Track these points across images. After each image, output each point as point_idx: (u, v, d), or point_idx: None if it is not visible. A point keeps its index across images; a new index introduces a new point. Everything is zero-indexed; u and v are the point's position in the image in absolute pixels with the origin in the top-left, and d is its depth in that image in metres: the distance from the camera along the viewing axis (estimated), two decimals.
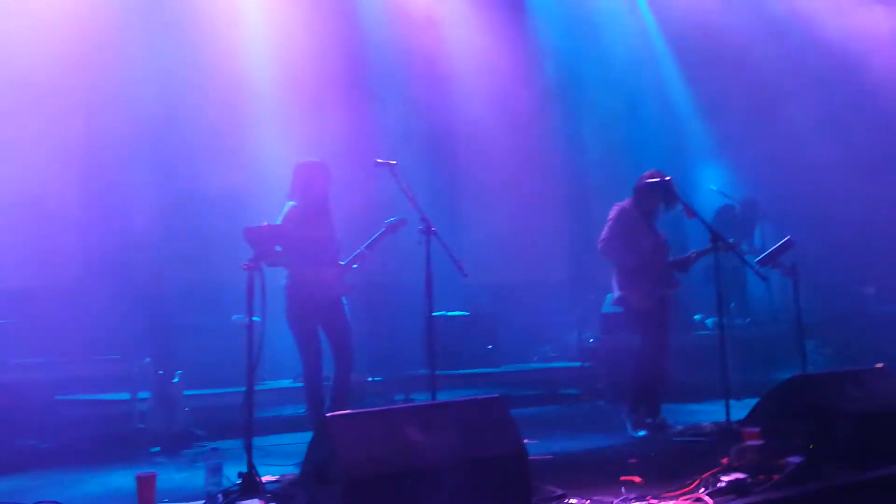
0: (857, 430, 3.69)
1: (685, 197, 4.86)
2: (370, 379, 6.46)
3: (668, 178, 4.88)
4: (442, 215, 7.20)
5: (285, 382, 6.58)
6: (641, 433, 4.88)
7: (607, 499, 3.19)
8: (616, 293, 5.15)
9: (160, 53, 6.72)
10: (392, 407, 2.96)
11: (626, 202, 5.16)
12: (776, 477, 3.36)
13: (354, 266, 4.65)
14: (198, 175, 6.64)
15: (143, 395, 5.17)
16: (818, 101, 8.50)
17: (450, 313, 7.65)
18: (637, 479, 3.60)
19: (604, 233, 5.07)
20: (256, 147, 6.88)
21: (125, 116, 6.59)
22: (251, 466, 3.33)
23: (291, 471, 3.78)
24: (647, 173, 5.13)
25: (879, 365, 4.30)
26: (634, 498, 3.18)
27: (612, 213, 5.12)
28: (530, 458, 3.14)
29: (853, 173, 8.36)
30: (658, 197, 5.04)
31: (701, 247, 5.12)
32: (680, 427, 4.93)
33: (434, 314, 4.15)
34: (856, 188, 8.30)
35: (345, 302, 4.75)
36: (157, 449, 4.92)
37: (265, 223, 3.48)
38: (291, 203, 4.61)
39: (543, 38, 9.42)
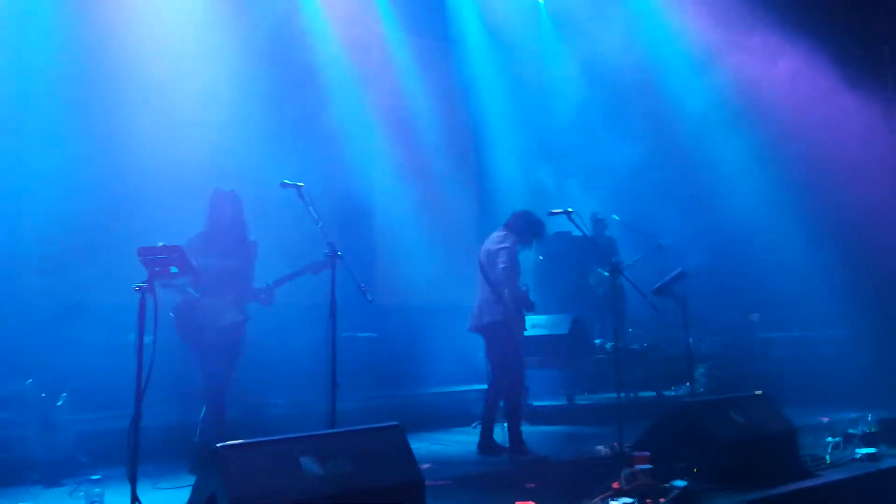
0: (739, 455, 3.91)
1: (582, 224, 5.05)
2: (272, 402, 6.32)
3: (570, 210, 5.05)
4: (352, 237, 7.21)
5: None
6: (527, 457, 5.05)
7: None
8: (491, 317, 5.26)
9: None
10: (284, 437, 2.89)
11: (511, 234, 5.39)
12: (662, 501, 3.50)
13: (261, 297, 4.64)
14: (95, 189, 6.35)
15: (23, 418, 4.85)
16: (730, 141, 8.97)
17: (359, 334, 7.58)
18: (532, 503, 3.67)
19: (505, 259, 5.20)
20: (158, 162, 6.63)
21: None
22: (135, 498, 3.17)
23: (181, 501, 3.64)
24: (523, 210, 5.50)
25: (758, 392, 4.57)
26: None
27: (506, 241, 5.30)
28: (427, 484, 3.14)
29: (745, 207, 8.91)
30: (532, 233, 5.40)
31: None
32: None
33: (344, 334, 4.12)
34: (748, 222, 8.84)
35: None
36: (36, 476, 4.63)
37: (161, 244, 3.35)
38: (199, 230, 4.65)
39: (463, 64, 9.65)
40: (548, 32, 10.33)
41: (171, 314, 4.54)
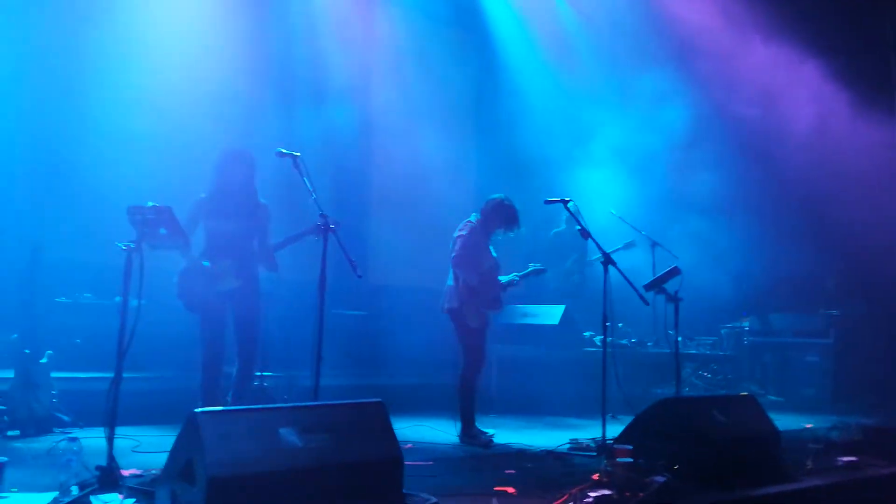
0: (720, 454, 3.89)
1: (579, 216, 4.99)
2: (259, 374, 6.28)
3: (567, 199, 5.00)
4: (346, 213, 7.17)
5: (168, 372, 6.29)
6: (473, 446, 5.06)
7: None
8: (449, 304, 5.25)
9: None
10: (266, 406, 2.87)
11: (475, 221, 5.33)
12: (641, 495, 3.49)
13: (266, 261, 4.57)
14: (82, 149, 6.29)
15: (5, 374, 4.82)
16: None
17: (346, 312, 7.55)
18: (511, 489, 3.66)
19: (458, 247, 5.20)
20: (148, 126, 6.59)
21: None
22: (111, 458, 3.15)
23: (160, 465, 3.62)
24: (495, 197, 5.41)
25: (744, 393, 4.55)
26: None
27: (465, 230, 5.26)
28: (406, 464, 3.13)
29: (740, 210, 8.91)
30: (502, 220, 5.31)
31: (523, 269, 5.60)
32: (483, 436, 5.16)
33: (333, 311, 4.08)
34: (741, 225, 8.85)
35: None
36: (17, 433, 4.61)
37: (150, 203, 3.30)
38: (202, 195, 4.53)
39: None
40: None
41: (174, 279, 4.47)
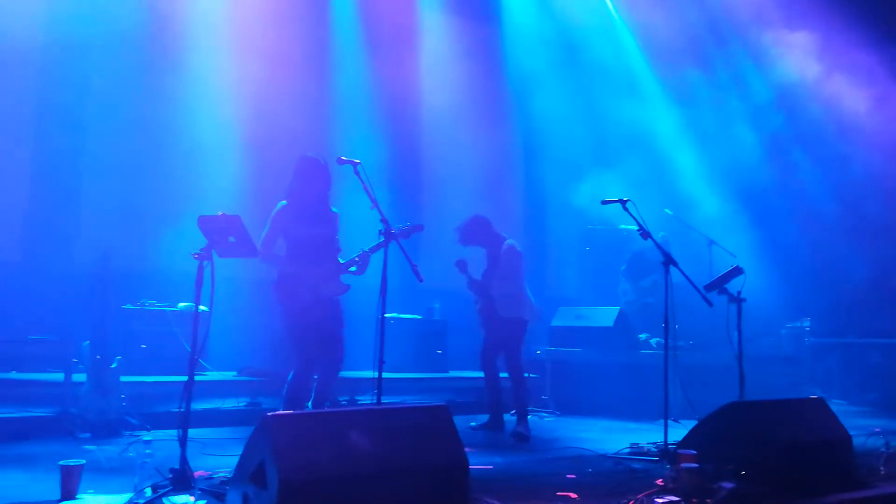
0: (790, 459, 3.79)
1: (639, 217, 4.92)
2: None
3: (625, 199, 4.93)
4: (403, 218, 7.24)
5: (229, 375, 6.45)
6: None
7: None
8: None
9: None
10: (334, 410, 2.91)
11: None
12: (709, 501, 3.43)
13: (353, 269, 4.53)
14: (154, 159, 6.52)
15: (78, 377, 5.00)
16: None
17: (402, 316, 7.61)
18: (573, 495, 3.63)
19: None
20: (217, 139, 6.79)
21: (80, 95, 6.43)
22: (184, 461, 3.24)
23: (228, 467, 3.70)
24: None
25: (814, 396, 4.42)
26: None
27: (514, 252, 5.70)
28: (470, 468, 3.13)
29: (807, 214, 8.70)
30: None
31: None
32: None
33: (386, 316, 4.10)
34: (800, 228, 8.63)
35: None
36: (88, 435, 4.78)
37: (221, 213, 3.39)
38: (283, 203, 4.57)
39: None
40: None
41: (271, 286, 4.51)
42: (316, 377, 4.53)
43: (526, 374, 5.98)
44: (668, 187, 8.69)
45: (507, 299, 5.67)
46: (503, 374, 5.90)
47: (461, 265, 5.72)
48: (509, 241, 5.78)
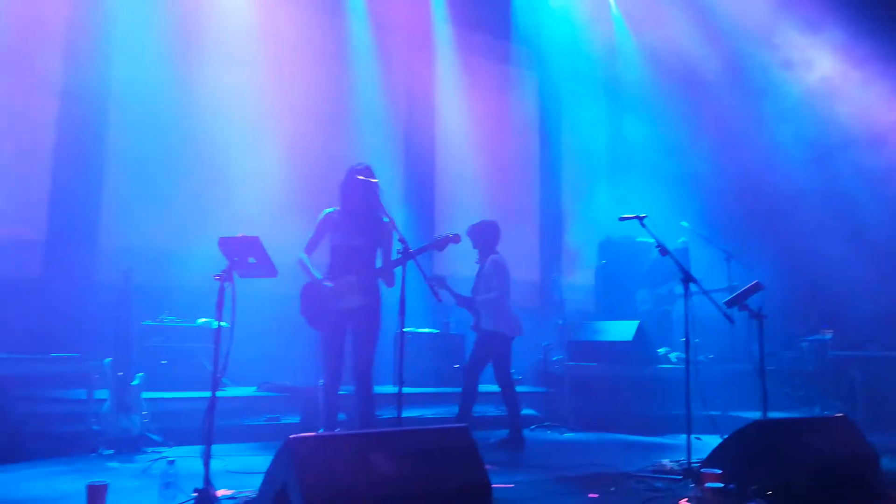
0: (817, 479, 3.73)
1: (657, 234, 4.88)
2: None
3: (643, 216, 4.90)
4: (418, 234, 7.26)
5: (249, 391, 6.47)
6: None
7: None
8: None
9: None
10: (356, 432, 2.91)
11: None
12: None
13: (384, 276, 4.50)
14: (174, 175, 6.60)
15: (100, 395, 5.04)
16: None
17: (419, 330, 7.61)
18: None
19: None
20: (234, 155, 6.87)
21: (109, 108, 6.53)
22: (207, 481, 3.25)
23: (250, 486, 3.71)
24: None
25: (840, 414, 4.36)
26: None
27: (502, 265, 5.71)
28: (493, 487, 3.11)
29: (829, 229, 8.60)
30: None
31: None
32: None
33: (404, 330, 4.09)
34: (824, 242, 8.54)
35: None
36: (111, 452, 4.81)
37: (241, 234, 3.42)
38: (328, 210, 4.61)
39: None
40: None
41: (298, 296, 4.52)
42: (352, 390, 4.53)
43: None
44: (684, 198, 8.64)
45: (488, 312, 5.69)
46: (496, 388, 5.91)
47: (439, 281, 5.39)
48: (494, 256, 5.76)
